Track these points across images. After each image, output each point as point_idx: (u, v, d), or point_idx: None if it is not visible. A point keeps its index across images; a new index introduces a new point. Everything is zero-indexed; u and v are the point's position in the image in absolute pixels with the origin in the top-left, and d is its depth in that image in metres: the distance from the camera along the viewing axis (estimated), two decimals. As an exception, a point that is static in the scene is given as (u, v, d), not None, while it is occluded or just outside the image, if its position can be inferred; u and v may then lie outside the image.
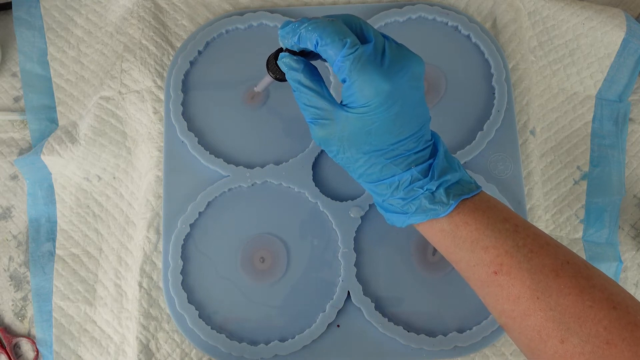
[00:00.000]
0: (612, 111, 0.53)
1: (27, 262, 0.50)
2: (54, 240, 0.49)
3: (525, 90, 0.51)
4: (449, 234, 0.35)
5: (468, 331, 0.45)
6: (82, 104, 0.52)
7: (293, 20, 0.35)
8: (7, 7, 0.54)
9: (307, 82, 0.35)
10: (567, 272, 0.32)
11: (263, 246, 0.47)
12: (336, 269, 0.47)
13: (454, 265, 0.37)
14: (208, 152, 0.48)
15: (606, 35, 0.52)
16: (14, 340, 0.48)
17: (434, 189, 0.35)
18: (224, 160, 0.48)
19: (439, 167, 0.35)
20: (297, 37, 0.34)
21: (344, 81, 0.33)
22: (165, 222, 0.47)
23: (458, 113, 0.50)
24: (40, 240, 0.50)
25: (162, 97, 0.50)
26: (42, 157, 0.48)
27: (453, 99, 0.50)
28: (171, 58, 0.51)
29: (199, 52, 0.51)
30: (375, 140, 0.34)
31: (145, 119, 0.50)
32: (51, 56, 0.53)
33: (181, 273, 0.46)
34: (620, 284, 0.50)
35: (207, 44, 0.51)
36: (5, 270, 0.50)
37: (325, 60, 0.37)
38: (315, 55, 0.37)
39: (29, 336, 0.49)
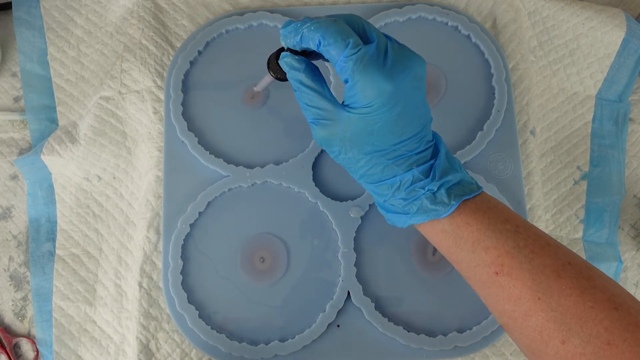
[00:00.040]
0: (612, 111, 0.53)
1: (27, 262, 0.50)
2: (54, 240, 0.49)
3: (525, 90, 0.51)
4: (450, 235, 0.35)
5: (468, 331, 0.46)
6: (82, 104, 0.52)
7: (295, 19, 0.35)
8: (7, 7, 0.54)
9: (308, 82, 0.35)
10: (569, 273, 0.32)
11: (263, 246, 0.47)
12: (336, 269, 0.47)
13: (455, 265, 0.37)
14: (208, 152, 0.48)
15: (606, 35, 0.52)
16: (14, 340, 0.48)
17: (436, 189, 0.35)
18: (224, 160, 0.48)
19: (441, 167, 0.35)
20: (299, 36, 0.34)
21: (346, 81, 0.33)
22: (165, 222, 0.47)
23: (458, 113, 0.50)
24: (40, 240, 0.50)
25: (162, 97, 0.50)
26: (42, 157, 0.48)
27: (453, 99, 0.50)
28: (171, 58, 0.51)
29: (199, 52, 0.51)
30: (377, 140, 0.34)
31: (145, 119, 0.50)
32: (51, 56, 0.53)
33: (181, 273, 0.46)
34: (620, 284, 0.50)
35: (207, 44, 0.51)
36: (5, 270, 0.50)
37: (327, 60, 0.37)
38: (317, 55, 0.37)
39: (29, 336, 0.48)
